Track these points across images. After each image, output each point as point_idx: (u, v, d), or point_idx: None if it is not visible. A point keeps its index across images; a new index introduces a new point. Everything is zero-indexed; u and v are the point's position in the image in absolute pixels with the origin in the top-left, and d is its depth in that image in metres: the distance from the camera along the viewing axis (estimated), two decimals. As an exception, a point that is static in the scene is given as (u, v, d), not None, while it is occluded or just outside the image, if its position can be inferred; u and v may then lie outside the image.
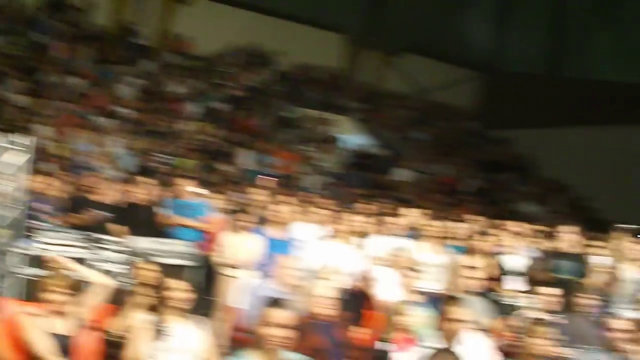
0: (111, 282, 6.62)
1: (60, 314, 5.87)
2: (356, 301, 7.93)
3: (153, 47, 24.80)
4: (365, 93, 29.25)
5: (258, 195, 10.71)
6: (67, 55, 21.56)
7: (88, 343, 6.03)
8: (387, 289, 8.01)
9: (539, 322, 6.47)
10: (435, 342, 5.84)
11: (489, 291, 8.71)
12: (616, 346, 6.66)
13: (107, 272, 8.19)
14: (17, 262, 8.92)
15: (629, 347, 6.67)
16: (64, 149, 17.31)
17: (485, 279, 8.66)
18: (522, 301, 8.35)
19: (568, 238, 10.55)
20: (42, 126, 17.59)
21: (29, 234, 9.20)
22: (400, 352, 6.29)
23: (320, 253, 8.71)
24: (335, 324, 6.77)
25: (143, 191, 10.88)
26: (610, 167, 27.44)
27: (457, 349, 5.51)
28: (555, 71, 31.92)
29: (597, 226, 15.80)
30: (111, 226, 10.22)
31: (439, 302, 6.68)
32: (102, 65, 22.17)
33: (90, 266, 8.19)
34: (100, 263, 9.13)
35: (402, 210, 11.75)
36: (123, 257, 9.41)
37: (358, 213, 10.03)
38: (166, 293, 5.94)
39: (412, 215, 11.27)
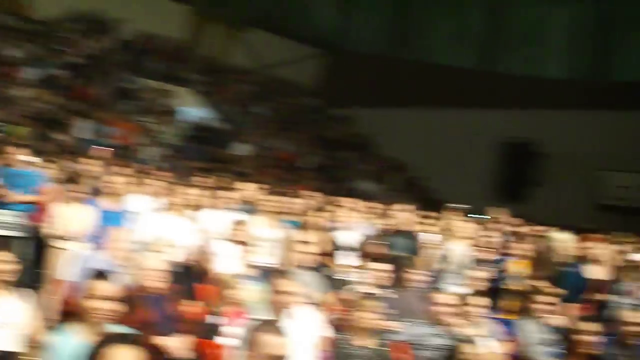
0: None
1: None
2: (189, 274, 7.87)
3: (-13, 8, 23.71)
4: (207, 66, 29.00)
5: (92, 166, 10.49)
6: None
7: None
8: (221, 263, 8.00)
9: (368, 296, 6.65)
10: (265, 316, 5.89)
11: (322, 266, 8.82)
12: (442, 320, 6.90)
13: None
14: None
15: (453, 320, 6.93)
16: None
17: (319, 254, 8.77)
18: (353, 276, 8.52)
19: (402, 216, 10.88)
20: None
21: None
22: (230, 325, 6.32)
23: (154, 225, 8.63)
24: (166, 297, 6.71)
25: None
26: (445, 148, 28.41)
27: (287, 322, 5.57)
28: (397, 53, 32.64)
29: (431, 205, 16.36)
30: None
31: (271, 276, 6.74)
32: None
33: None
34: None
35: (239, 185, 11.78)
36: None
37: (194, 186, 9.99)
38: (-11, 265, 5.72)
39: (248, 190, 11.31)
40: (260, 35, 31.00)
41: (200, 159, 22.02)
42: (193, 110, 25.99)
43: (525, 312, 8.04)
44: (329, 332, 6.49)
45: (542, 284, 8.89)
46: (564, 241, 9.92)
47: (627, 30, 29.01)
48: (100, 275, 5.08)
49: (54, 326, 5.78)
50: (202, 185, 10.61)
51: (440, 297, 7.07)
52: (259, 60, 31.07)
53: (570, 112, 26.94)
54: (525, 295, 8.35)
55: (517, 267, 9.49)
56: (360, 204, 13.08)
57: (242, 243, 8.42)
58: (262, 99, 29.76)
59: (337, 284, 8.42)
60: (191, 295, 7.38)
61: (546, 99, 27.37)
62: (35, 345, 5.55)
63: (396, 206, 11.64)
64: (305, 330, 5.88)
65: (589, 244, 10.04)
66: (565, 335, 6.72)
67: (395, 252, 9.70)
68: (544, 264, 9.57)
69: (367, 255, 9.24)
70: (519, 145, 28.84)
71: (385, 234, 10.49)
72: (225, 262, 7.98)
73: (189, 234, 8.74)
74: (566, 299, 8.88)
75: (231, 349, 5.93)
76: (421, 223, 11.65)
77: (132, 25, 26.68)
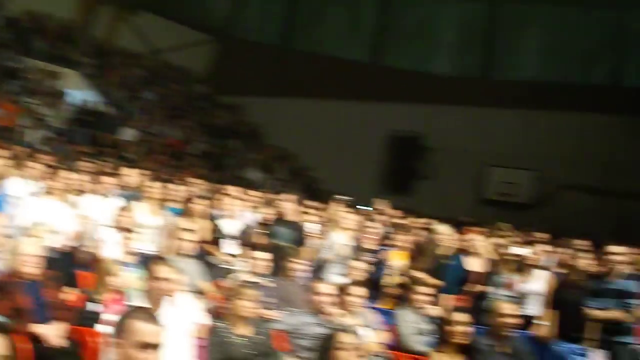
0: None
1: None
2: (69, 260, 7.75)
3: None
4: (96, 48, 28.39)
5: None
6: None
7: None
8: (103, 249, 7.90)
9: (247, 284, 6.67)
10: (143, 302, 5.84)
11: (204, 254, 8.83)
12: (321, 309, 6.97)
13: None
14: None
15: (333, 310, 7.02)
16: None
17: (201, 242, 8.77)
18: (235, 264, 8.54)
19: (287, 205, 10.94)
20: None
21: None
22: (108, 312, 6.24)
23: (33, 210, 8.45)
24: (42, 283, 6.58)
25: None
26: (335, 139, 28.65)
27: (164, 309, 5.55)
28: (288, 43, 32.74)
29: (318, 195, 16.53)
30: None
31: (150, 262, 6.68)
32: None
33: None
34: None
35: (123, 170, 11.63)
36: None
37: (76, 170, 9.82)
38: None
39: (132, 176, 11.17)
40: (151, 19, 30.50)
41: (86, 143, 21.64)
42: (80, 93, 25.40)
43: (403, 302, 8.22)
44: (208, 320, 6.49)
45: (420, 275, 9.11)
46: (445, 233, 10.13)
47: (516, 30, 29.81)
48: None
49: None
50: (85, 170, 10.44)
51: (320, 287, 7.14)
52: (149, 44, 30.65)
53: (458, 108, 27.51)
54: (404, 286, 8.53)
55: (397, 258, 9.67)
56: (246, 192, 13.09)
57: (125, 229, 8.32)
58: (150, 84, 29.35)
59: (218, 272, 8.42)
60: (71, 282, 7.26)
61: (435, 94, 27.81)
62: None
63: (281, 196, 11.72)
64: (182, 318, 5.85)
65: (469, 237, 10.30)
66: (440, 326, 6.89)
67: (279, 242, 9.77)
68: (424, 255, 9.76)
69: (249, 244, 9.27)
70: (407, 139, 29.23)
71: (269, 223, 10.54)
72: (106, 248, 7.89)
73: (69, 219, 8.59)
74: (446, 290, 9.10)
75: (108, 337, 5.87)
76: (306, 213, 11.76)
77: (18, 2, 25.82)
